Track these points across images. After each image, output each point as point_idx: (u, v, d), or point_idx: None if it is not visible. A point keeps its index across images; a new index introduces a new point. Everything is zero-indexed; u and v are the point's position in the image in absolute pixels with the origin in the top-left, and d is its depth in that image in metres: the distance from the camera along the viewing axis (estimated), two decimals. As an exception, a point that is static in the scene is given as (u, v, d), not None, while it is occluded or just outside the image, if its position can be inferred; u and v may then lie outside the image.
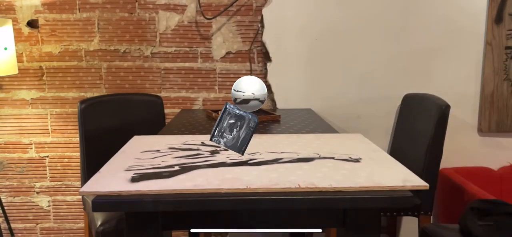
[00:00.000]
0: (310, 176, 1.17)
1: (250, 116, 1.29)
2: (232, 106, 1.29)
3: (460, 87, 2.40)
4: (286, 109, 2.34)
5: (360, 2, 2.33)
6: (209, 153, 1.39)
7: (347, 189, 1.10)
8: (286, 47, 2.37)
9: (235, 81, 2.04)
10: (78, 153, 2.45)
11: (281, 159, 1.32)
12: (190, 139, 1.57)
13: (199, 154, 1.37)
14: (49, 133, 2.46)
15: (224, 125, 1.29)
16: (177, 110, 2.43)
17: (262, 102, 1.34)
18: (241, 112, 1.29)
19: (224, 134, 1.29)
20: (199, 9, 2.36)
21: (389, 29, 2.36)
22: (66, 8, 2.35)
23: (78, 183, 2.51)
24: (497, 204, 1.78)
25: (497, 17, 2.33)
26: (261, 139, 1.56)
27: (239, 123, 1.29)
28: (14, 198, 2.53)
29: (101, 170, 1.22)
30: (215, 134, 1.29)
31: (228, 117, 1.29)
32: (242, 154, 1.30)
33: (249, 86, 1.85)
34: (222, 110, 1.30)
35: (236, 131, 1.28)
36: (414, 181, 1.13)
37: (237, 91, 1.34)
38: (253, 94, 1.75)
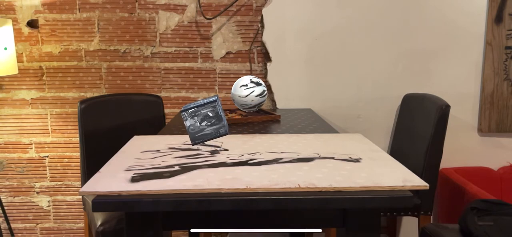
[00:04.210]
0: (310, 176, 1.16)
1: (225, 124, 1.29)
2: (220, 104, 1.29)
3: (460, 87, 2.40)
4: (286, 109, 2.34)
5: (360, 2, 2.33)
6: (209, 153, 1.39)
7: (347, 189, 1.09)
8: (286, 47, 2.37)
9: (235, 81, 2.05)
10: (78, 153, 2.46)
11: (281, 159, 1.32)
12: (190, 139, 1.57)
13: (199, 154, 1.37)
14: (49, 133, 2.46)
15: (202, 111, 1.28)
16: (177, 110, 2.43)
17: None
18: (222, 115, 1.28)
19: (195, 117, 1.27)
20: (199, 9, 2.36)
21: (389, 29, 2.36)
22: (66, 8, 2.35)
23: (78, 183, 2.51)
24: (497, 204, 1.78)
25: (497, 17, 2.33)
26: (261, 139, 1.56)
27: (213, 121, 1.28)
28: (14, 198, 2.53)
29: (101, 170, 1.22)
30: (189, 111, 1.27)
31: (210, 108, 1.28)
32: (193, 144, 1.31)
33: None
34: (211, 99, 1.28)
35: (205, 124, 1.28)
36: (414, 181, 1.13)
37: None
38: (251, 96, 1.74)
